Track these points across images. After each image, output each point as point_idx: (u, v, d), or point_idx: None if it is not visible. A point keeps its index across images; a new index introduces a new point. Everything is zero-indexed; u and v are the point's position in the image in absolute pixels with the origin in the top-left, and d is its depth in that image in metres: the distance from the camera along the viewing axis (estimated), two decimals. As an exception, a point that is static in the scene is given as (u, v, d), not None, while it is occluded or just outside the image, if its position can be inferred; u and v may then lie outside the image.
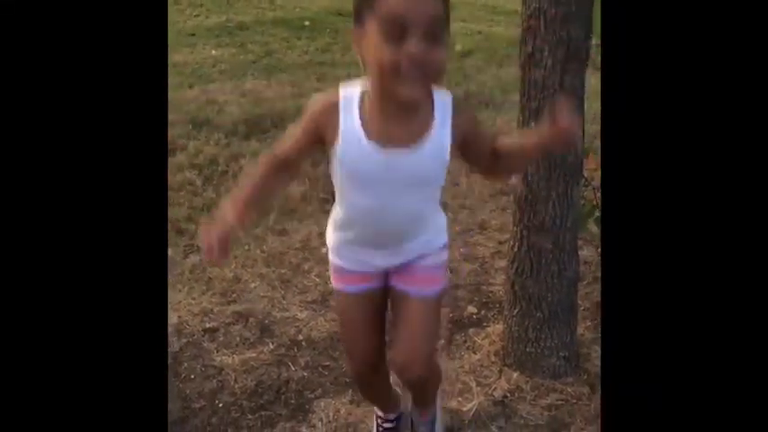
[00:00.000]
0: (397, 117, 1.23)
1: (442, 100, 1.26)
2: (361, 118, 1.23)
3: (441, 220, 1.46)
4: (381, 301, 1.49)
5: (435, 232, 1.44)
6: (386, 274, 1.46)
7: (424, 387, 1.59)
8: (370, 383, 1.61)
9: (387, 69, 1.12)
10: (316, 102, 1.29)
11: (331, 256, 1.49)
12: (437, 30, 1.12)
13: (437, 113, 1.25)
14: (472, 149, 1.32)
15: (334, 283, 1.50)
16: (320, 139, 1.28)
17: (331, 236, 1.46)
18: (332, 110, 1.25)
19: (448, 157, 1.27)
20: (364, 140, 1.23)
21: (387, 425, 1.74)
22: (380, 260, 1.42)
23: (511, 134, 1.44)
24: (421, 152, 1.25)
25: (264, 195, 1.38)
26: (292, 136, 1.32)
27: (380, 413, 1.74)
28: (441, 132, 1.25)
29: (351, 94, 1.25)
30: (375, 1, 1.12)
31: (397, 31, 1.10)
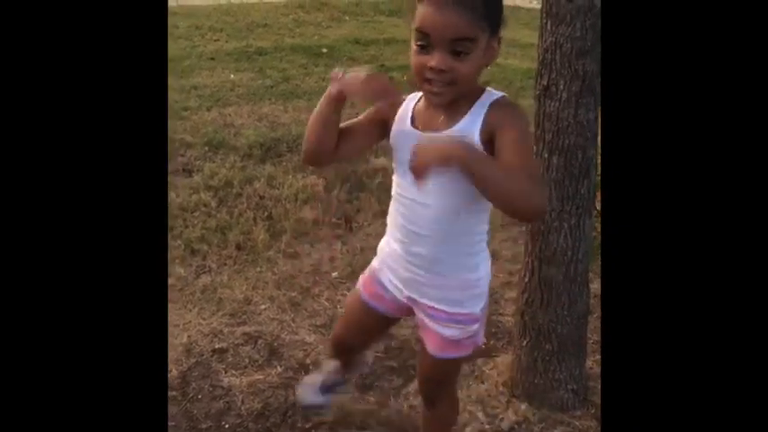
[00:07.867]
0: (438, 110, 1.30)
1: (490, 95, 1.28)
2: (414, 109, 1.36)
3: (483, 265, 1.50)
4: (384, 324, 1.59)
5: (470, 283, 1.47)
6: (405, 309, 1.49)
7: (436, 404, 1.61)
8: (342, 355, 1.71)
9: (416, 74, 1.24)
10: None
11: (374, 262, 1.55)
12: (461, 47, 1.19)
13: (476, 105, 1.27)
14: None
15: (359, 283, 1.56)
16: (384, 123, 1.38)
17: (382, 241, 1.52)
18: (400, 103, 1.38)
19: (477, 141, 1.24)
20: (407, 125, 1.34)
21: (334, 378, 1.75)
22: (408, 275, 1.41)
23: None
24: (448, 134, 1.25)
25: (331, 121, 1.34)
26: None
27: (334, 368, 1.75)
28: (472, 119, 1.26)
29: (417, 93, 1.38)
30: (414, 12, 1.22)
31: (424, 42, 1.20)
